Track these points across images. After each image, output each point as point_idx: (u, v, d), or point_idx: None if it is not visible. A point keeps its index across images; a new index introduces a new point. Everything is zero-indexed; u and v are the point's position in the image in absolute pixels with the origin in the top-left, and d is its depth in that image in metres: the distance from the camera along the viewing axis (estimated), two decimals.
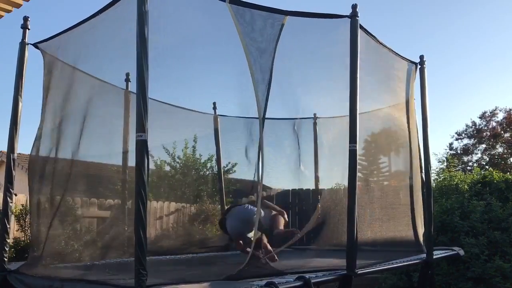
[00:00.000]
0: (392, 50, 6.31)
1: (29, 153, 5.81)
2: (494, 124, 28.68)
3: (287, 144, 8.58)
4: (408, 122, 6.87)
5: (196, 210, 9.29)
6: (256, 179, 5.42)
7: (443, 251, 7.29)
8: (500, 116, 28.43)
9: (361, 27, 5.20)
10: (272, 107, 5.54)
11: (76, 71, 5.74)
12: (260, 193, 5.33)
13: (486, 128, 28.91)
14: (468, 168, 26.74)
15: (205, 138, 9.01)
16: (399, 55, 6.55)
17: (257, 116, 4.95)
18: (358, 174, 5.01)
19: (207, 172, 10.03)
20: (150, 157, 3.82)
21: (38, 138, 5.70)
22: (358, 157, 4.98)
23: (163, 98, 6.84)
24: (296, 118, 8.32)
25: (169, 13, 4.83)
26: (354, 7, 5.11)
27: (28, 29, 5.67)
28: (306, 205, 10.66)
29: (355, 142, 4.92)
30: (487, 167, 24.52)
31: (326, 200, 8.59)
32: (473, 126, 29.43)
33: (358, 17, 5.10)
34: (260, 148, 5.47)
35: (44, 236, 5.58)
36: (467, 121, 32.70)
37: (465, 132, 29.66)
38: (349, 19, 5.11)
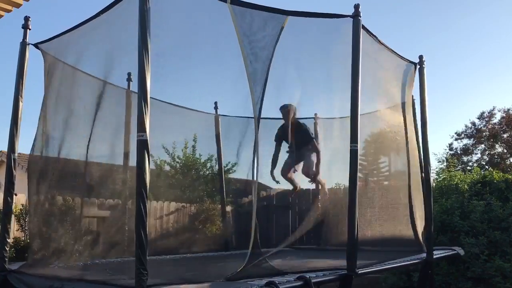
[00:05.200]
0: (392, 50, 6.32)
1: (29, 153, 5.81)
2: (492, 124, 28.68)
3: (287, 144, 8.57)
4: (407, 122, 6.88)
5: (196, 210, 9.29)
6: (251, 178, 5.42)
7: (443, 251, 7.29)
8: (498, 116, 28.44)
9: (363, 27, 5.20)
10: (273, 107, 5.59)
11: (76, 71, 5.74)
12: (255, 192, 5.32)
13: (485, 128, 28.90)
14: (468, 168, 26.72)
15: (205, 138, 9.00)
16: (398, 55, 6.55)
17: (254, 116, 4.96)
18: (358, 173, 5.01)
19: (207, 172, 10.02)
20: (150, 156, 3.82)
21: (37, 138, 5.71)
22: (358, 157, 4.98)
23: (164, 98, 6.84)
24: (297, 118, 8.32)
25: (170, 14, 4.84)
26: (356, 7, 5.10)
27: (29, 29, 5.68)
28: (306, 205, 10.65)
29: (356, 142, 4.93)
30: (487, 167, 24.52)
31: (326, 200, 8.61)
32: (473, 127, 29.42)
33: (360, 17, 5.10)
34: (256, 148, 5.48)
35: (45, 236, 5.59)
36: (466, 121, 32.67)
37: (464, 133, 29.64)
38: (352, 19, 5.11)
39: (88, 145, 6.00)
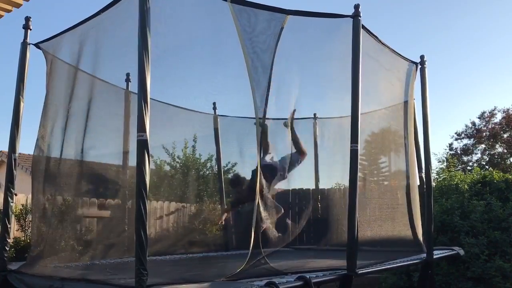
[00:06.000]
0: (393, 50, 6.32)
1: (32, 153, 5.82)
2: (493, 124, 28.70)
3: (286, 144, 8.56)
4: (407, 122, 6.88)
5: (196, 210, 9.30)
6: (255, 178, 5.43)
7: (443, 251, 7.30)
8: (499, 116, 28.46)
9: (363, 27, 5.20)
10: (272, 107, 5.57)
11: (77, 70, 5.75)
12: (258, 193, 5.33)
13: (485, 128, 28.92)
14: (468, 168, 26.74)
15: (205, 138, 9.02)
16: (400, 55, 6.55)
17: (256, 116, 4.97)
18: (358, 173, 5.01)
19: (207, 172, 10.03)
20: (150, 156, 3.82)
21: (40, 138, 5.71)
22: (358, 156, 4.97)
23: (163, 98, 6.84)
24: (296, 118, 8.32)
25: (170, 13, 4.83)
26: (356, 7, 5.10)
27: (30, 29, 5.67)
28: (306, 205, 10.67)
29: (357, 142, 4.92)
30: (487, 167, 24.53)
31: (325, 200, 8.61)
32: (473, 127, 29.45)
33: (360, 17, 5.10)
34: (258, 148, 5.49)
35: (45, 236, 5.60)
36: (466, 121, 32.71)
37: (464, 133, 29.67)
38: (352, 19, 5.11)
39: (88, 145, 6.00)
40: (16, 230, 8.17)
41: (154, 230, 9.20)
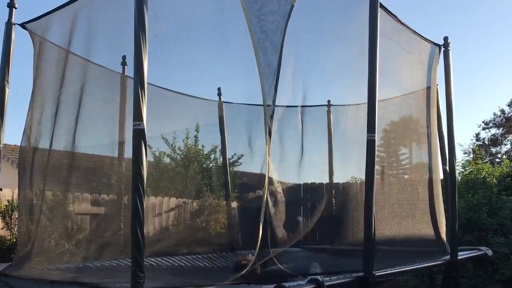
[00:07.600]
0: (413, 31, 6.27)
1: (19, 144, 5.80)
2: None
3: (297, 134, 8.53)
4: (430, 110, 6.84)
5: (199, 206, 9.28)
6: (263, 171, 5.41)
7: (469, 251, 7.26)
8: None
9: (381, 5, 5.14)
10: (281, 93, 5.54)
11: (68, 53, 5.72)
12: (266, 187, 5.31)
13: None
14: (497, 160, 26.65)
15: (208, 127, 8.93)
16: (421, 36, 6.51)
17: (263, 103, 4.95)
18: (376, 166, 4.98)
19: (211, 165, 10.01)
20: (148, 148, 3.80)
21: (28, 127, 5.70)
22: (376, 148, 4.94)
23: (163, 84, 6.81)
24: (309, 106, 8.28)
25: None
26: None
27: (15, 8, 5.65)
28: (319, 201, 10.64)
29: (374, 132, 4.88)
30: None
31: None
32: (502, 115, 29.34)
33: None
34: (267, 138, 5.46)
35: (33, 235, 5.59)
36: (495, 109, 32.59)
37: (493, 121, 29.59)
38: None
39: (81, 135, 5.99)
40: (1, 229, 8.19)
41: (153, 228, 9.20)
